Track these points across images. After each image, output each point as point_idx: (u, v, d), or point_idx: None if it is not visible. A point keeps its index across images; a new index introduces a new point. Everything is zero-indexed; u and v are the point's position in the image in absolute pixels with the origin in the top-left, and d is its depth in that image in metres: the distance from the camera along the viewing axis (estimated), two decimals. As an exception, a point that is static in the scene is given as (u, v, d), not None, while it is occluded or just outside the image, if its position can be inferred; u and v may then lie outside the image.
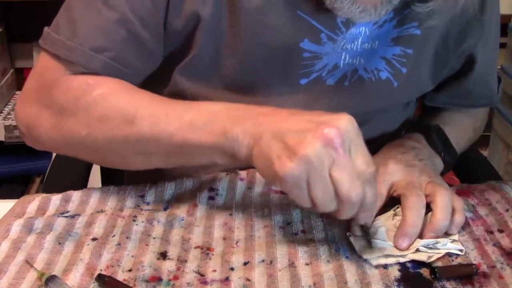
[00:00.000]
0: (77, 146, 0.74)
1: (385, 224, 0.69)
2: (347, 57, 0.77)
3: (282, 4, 0.73)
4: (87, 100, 0.72)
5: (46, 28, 0.75)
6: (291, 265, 0.64)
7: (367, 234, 0.67)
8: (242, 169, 0.79)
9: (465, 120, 0.93)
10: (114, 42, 0.73)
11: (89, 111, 0.71)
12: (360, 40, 0.76)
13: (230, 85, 0.76)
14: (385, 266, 0.64)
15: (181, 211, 0.73)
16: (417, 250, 0.65)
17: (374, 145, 0.86)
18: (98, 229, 0.69)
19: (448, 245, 0.66)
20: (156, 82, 0.79)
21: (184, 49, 0.76)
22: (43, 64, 0.76)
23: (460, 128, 0.90)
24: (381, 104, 0.83)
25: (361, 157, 0.60)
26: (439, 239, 0.66)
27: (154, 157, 0.71)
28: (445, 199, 0.68)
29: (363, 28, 0.76)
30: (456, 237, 0.68)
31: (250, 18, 0.73)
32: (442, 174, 0.81)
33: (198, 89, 0.77)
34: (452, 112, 0.92)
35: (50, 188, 0.86)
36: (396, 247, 0.65)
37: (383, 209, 0.72)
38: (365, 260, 0.64)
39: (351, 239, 0.67)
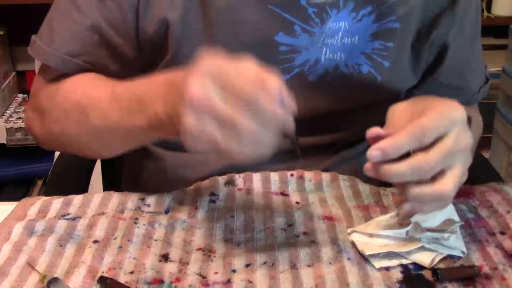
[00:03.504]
0: (59, 141, 0.79)
1: (388, 222, 0.69)
2: (328, 52, 0.78)
3: (252, 0, 0.74)
4: (57, 98, 0.77)
5: (33, 36, 0.80)
6: (293, 267, 0.64)
7: (369, 229, 0.67)
8: (238, 171, 0.80)
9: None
10: (88, 47, 0.77)
11: (58, 108, 0.77)
12: (340, 35, 0.78)
13: None
14: (387, 268, 0.64)
15: (182, 213, 0.73)
16: (422, 247, 0.65)
17: (363, 142, 0.87)
18: (99, 232, 0.69)
19: (451, 243, 0.66)
20: None
21: (159, 53, 0.78)
22: (38, 71, 0.83)
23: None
24: (366, 98, 0.83)
25: (229, 86, 0.56)
26: (443, 234, 0.66)
27: (114, 144, 0.75)
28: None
29: (343, 22, 0.77)
30: (457, 227, 0.67)
31: (223, 16, 0.75)
32: None
33: None
34: None
35: (51, 191, 0.86)
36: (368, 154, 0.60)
37: (386, 210, 0.72)
38: (367, 262, 0.64)
39: (352, 235, 0.67)
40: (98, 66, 0.78)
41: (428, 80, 0.88)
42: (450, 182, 0.61)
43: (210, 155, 0.59)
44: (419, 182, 0.61)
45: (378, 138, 0.61)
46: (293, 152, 0.64)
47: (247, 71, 0.58)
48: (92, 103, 0.73)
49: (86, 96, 0.74)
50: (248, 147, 0.57)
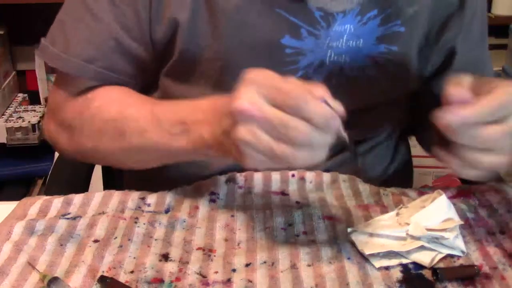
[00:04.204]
0: (89, 156, 0.81)
1: (388, 221, 0.69)
2: (332, 55, 0.78)
3: (259, 2, 0.74)
4: (87, 114, 0.77)
5: (43, 39, 0.80)
6: (293, 266, 0.64)
7: (369, 228, 0.68)
8: (239, 170, 0.80)
9: None
10: (104, 53, 0.77)
11: (90, 125, 0.77)
12: (345, 38, 0.78)
13: (216, 86, 0.78)
14: (387, 268, 0.64)
15: (183, 213, 0.73)
16: (422, 247, 0.65)
17: (365, 142, 0.87)
18: (99, 231, 0.69)
19: (451, 243, 0.66)
20: (147, 86, 0.81)
21: (166, 54, 0.78)
22: (55, 82, 0.83)
23: None
24: (370, 101, 0.83)
25: (275, 93, 0.58)
26: (443, 233, 0.66)
27: (150, 162, 0.77)
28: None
29: (348, 25, 0.77)
30: (457, 226, 0.67)
31: (230, 18, 0.75)
32: None
33: (185, 91, 0.79)
34: None
35: (51, 190, 0.86)
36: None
37: (386, 210, 0.72)
38: (367, 261, 0.65)
39: (352, 234, 0.68)
40: (114, 71, 0.78)
41: (435, 80, 0.88)
42: (502, 158, 0.61)
43: (266, 164, 0.60)
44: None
45: (456, 101, 0.60)
46: (346, 147, 0.63)
47: (291, 79, 0.59)
48: (129, 123, 0.74)
49: (122, 115, 0.75)
50: (304, 151, 0.58)
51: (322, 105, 0.58)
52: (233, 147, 0.61)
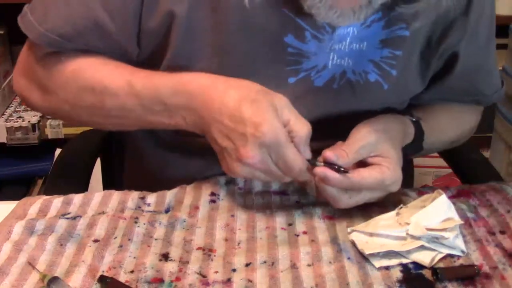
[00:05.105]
0: (65, 116, 0.84)
1: (388, 221, 0.69)
2: (335, 58, 0.78)
3: (266, 2, 0.74)
4: (62, 78, 0.78)
5: (26, 5, 0.80)
6: (293, 266, 0.64)
7: (369, 228, 0.68)
8: None
9: (449, 123, 0.92)
10: (80, 32, 0.77)
11: (66, 89, 0.78)
12: (348, 40, 0.77)
13: None
14: (387, 267, 0.64)
15: (183, 212, 0.73)
16: (422, 247, 0.65)
17: None
18: (99, 231, 0.69)
19: (451, 242, 0.66)
20: None
21: (162, 47, 0.77)
22: (28, 42, 0.82)
23: (439, 132, 0.89)
24: (372, 106, 0.82)
25: (282, 163, 0.68)
26: (443, 233, 0.66)
27: (129, 127, 0.82)
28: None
29: (351, 28, 0.76)
30: (457, 226, 0.67)
31: (235, 16, 0.74)
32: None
33: None
34: (440, 112, 0.91)
35: (51, 190, 0.86)
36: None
37: (386, 210, 0.72)
38: (367, 261, 0.65)
39: (352, 234, 0.68)
40: (91, 49, 0.77)
41: (438, 84, 0.87)
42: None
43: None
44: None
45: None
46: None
47: (297, 139, 0.69)
48: (109, 95, 0.75)
49: (100, 85, 0.75)
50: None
51: (312, 182, 0.72)
52: (219, 154, 0.70)
